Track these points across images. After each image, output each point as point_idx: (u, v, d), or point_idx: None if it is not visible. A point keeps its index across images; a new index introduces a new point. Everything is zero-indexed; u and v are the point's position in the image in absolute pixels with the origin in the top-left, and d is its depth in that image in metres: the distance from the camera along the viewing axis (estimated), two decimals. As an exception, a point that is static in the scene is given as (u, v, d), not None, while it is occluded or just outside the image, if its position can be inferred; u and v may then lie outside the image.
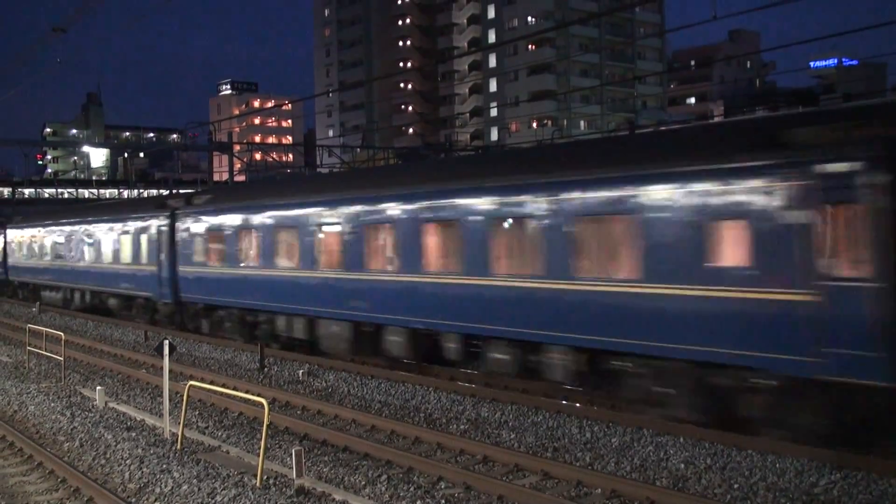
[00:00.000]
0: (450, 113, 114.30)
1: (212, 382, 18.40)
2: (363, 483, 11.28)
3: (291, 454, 11.08)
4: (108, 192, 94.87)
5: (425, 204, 17.65)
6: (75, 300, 37.04)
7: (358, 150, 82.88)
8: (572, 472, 11.26)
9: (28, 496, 11.29)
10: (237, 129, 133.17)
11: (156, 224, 28.39)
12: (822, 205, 11.07)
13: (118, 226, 31.93)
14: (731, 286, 12.02)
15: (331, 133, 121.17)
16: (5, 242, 47.27)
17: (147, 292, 29.46)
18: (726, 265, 12.22)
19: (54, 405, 16.76)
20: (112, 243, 32.25)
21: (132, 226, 30.55)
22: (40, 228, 41.34)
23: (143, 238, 29.31)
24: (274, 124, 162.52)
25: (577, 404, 15.22)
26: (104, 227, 33.37)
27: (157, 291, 28.43)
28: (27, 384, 19.30)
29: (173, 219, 27.33)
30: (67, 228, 37.28)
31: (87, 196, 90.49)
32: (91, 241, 34.39)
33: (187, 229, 26.60)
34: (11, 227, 46.40)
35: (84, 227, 35.37)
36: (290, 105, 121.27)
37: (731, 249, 12.22)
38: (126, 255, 30.91)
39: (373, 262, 19.16)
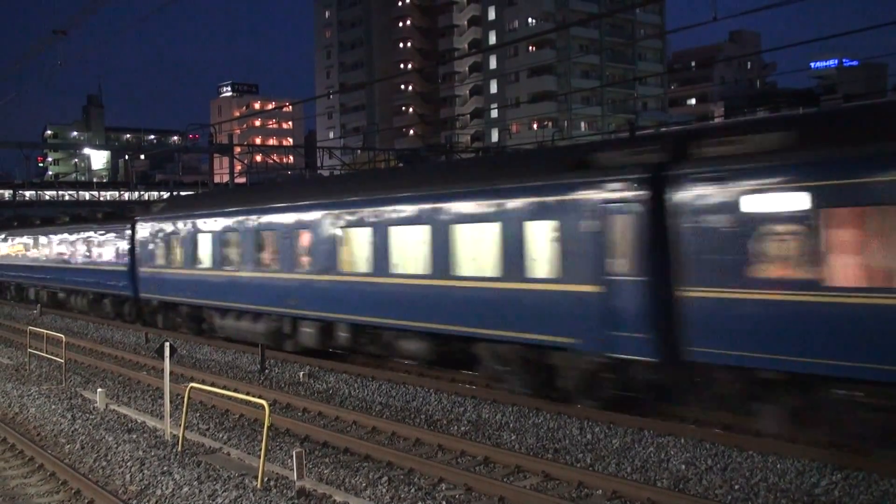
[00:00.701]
0: (450, 114, 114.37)
1: (213, 384, 18.42)
2: (364, 484, 11.28)
3: (292, 456, 11.08)
4: (108, 195, 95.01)
5: None
6: (303, 336, 21.70)
7: (359, 151, 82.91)
8: (573, 473, 11.26)
9: (29, 498, 11.29)
10: (238, 131, 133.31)
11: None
12: None
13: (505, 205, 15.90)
14: None
15: (331, 135, 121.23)
16: (133, 244, 30.43)
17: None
18: None
19: (55, 407, 16.76)
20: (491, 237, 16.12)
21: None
22: (217, 218, 25.02)
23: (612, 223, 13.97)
24: (274, 126, 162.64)
25: (578, 406, 15.21)
26: (435, 208, 17.37)
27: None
28: (28, 386, 19.30)
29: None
30: (308, 215, 21.11)
31: (87, 198, 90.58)
32: (401, 235, 18.36)
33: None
34: (146, 220, 29.82)
35: (355, 211, 19.63)
36: (290, 107, 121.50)
37: None
38: (547, 260, 15.17)
39: None
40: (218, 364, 22.35)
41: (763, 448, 12.04)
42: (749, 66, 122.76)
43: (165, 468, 12.02)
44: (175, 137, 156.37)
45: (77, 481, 11.45)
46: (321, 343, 21.11)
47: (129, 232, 30.87)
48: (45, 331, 23.30)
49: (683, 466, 11.64)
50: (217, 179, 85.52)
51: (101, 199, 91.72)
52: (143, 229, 29.71)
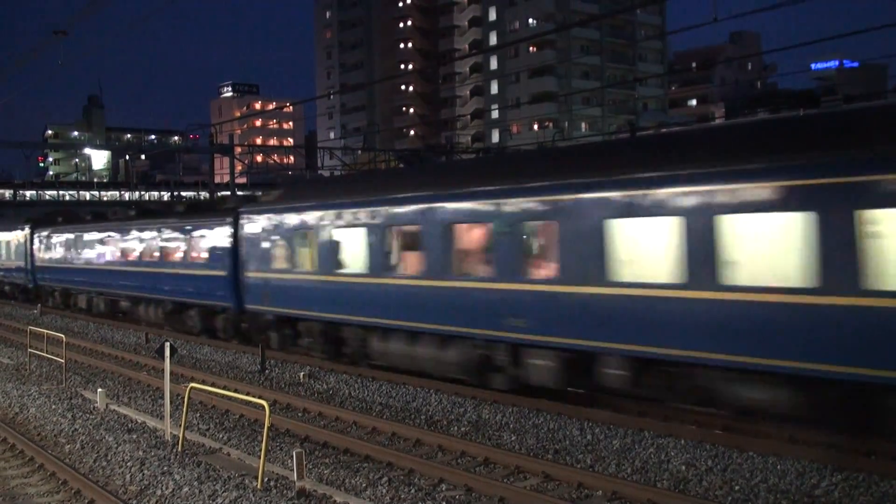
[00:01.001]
0: (451, 115, 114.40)
1: (213, 384, 18.41)
2: (364, 485, 11.28)
3: (292, 456, 11.08)
4: (109, 195, 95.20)
5: None
6: (534, 370, 15.49)
7: (359, 152, 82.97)
8: (573, 473, 11.25)
9: (29, 498, 11.29)
10: (238, 132, 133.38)
11: None
12: None
13: None
14: None
15: (332, 135, 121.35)
16: (236, 243, 24.36)
17: None
18: None
19: (55, 407, 16.76)
20: None
21: None
22: (377, 208, 18.81)
23: None
24: (275, 126, 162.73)
25: (579, 406, 15.20)
26: None
27: None
28: (28, 386, 19.29)
29: None
30: (549, 201, 14.89)
31: (88, 198, 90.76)
32: None
33: None
34: (256, 212, 23.57)
35: (648, 193, 13.32)
36: (290, 107, 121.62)
37: None
38: None
39: None
40: (218, 364, 22.34)
41: (763, 449, 12.04)
42: (749, 68, 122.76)
43: (165, 468, 12.02)
44: (175, 138, 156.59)
45: (77, 481, 11.45)
46: (565, 380, 15.09)
47: (229, 228, 24.66)
48: (46, 331, 23.29)
49: (684, 467, 11.64)
50: (217, 180, 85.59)
51: (102, 199, 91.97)
52: (252, 224, 23.35)
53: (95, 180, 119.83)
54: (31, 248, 42.53)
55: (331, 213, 20.03)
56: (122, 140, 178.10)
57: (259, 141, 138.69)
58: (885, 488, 10.43)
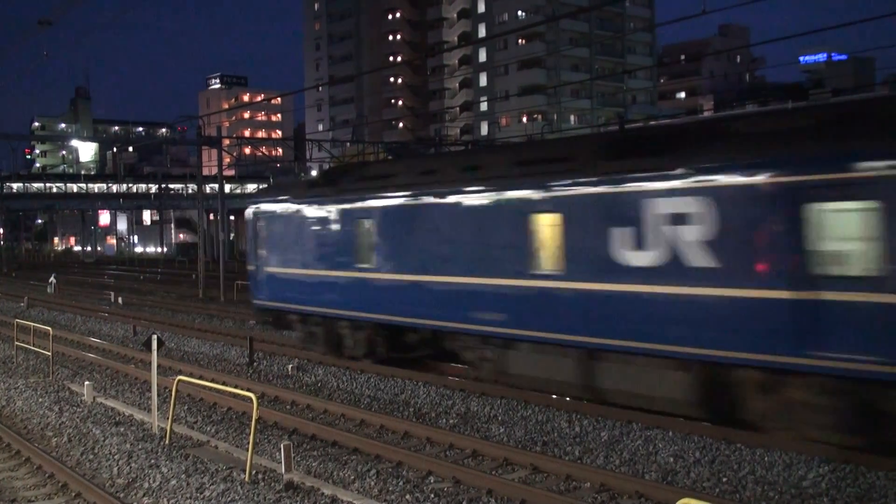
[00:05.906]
0: (440, 107, 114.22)
1: (201, 377, 18.35)
2: (352, 477, 11.26)
3: (280, 449, 11.06)
4: (96, 187, 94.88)
5: None
6: None
7: (348, 144, 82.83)
8: (562, 465, 11.27)
9: (16, 492, 11.22)
10: (226, 124, 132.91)
11: None
12: None
13: None
14: None
15: (320, 127, 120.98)
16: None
17: None
18: None
19: (42, 400, 16.68)
20: None
21: None
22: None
23: None
24: (264, 119, 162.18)
25: (567, 398, 15.23)
26: None
27: None
28: (15, 379, 19.20)
29: None
30: None
31: (75, 191, 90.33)
32: None
33: None
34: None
35: None
36: (279, 99, 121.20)
37: None
38: None
39: None
40: (206, 357, 22.28)
41: (751, 441, 12.08)
42: (738, 60, 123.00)
43: (153, 461, 11.97)
44: (163, 130, 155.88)
45: (64, 474, 11.39)
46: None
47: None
48: (33, 323, 23.17)
49: (672, 459, 11.67)
50: (206, 172, 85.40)
51: (90, 191, 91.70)
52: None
53: (83, 172, 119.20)
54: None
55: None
56: (110, 132, 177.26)
57: (248, 133, 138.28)
58: (872, 480, 10.48)
